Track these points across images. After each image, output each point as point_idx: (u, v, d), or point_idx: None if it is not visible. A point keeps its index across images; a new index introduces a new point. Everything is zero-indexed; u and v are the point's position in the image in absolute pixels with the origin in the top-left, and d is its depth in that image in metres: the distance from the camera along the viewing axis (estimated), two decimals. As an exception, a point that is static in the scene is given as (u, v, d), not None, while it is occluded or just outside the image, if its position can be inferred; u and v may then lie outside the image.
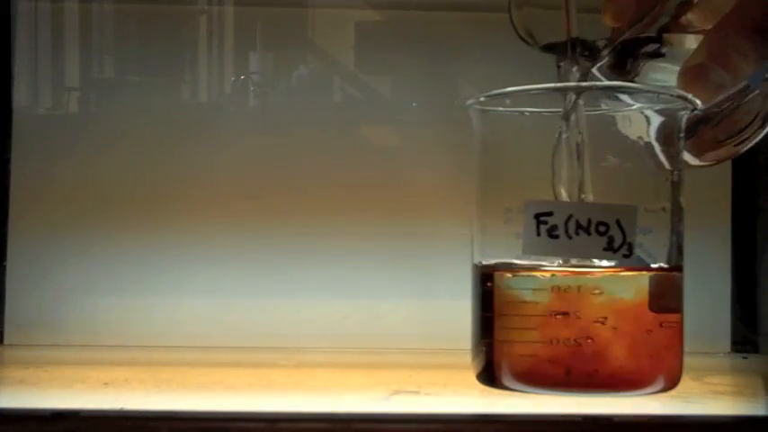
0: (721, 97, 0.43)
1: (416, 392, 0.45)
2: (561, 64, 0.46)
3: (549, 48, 0.47)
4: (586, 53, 0.46)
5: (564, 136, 0.45)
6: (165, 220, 0.62)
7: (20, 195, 0.63)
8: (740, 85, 0.44)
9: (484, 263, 0.46)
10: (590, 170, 0.45)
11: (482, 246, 0.46)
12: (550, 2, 0.48)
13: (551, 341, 0.43)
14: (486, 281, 0.45)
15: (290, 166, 0.63)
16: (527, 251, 0.43)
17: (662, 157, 0.45)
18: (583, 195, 0.44)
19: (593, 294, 0.42)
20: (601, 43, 0.46)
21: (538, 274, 0.43)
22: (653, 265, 0.44)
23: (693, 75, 0.42)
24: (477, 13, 0.63)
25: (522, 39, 0.47)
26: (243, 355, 0.59)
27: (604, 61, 0.47)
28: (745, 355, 0.62)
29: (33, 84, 0.64)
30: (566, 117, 0.45)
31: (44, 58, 0.64)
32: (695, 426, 0.40)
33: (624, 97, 0.45)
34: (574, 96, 0.44)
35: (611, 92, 0.46)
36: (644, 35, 0.47)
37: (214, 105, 0.65)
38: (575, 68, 0.46)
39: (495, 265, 0.45)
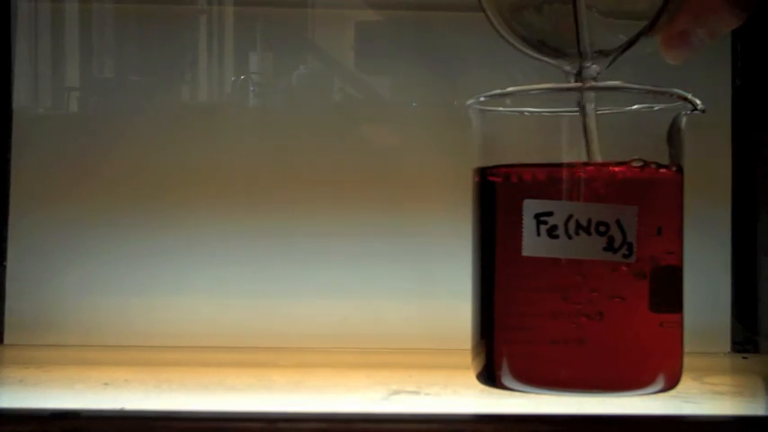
0: None
1: (416, 392, 0.45)
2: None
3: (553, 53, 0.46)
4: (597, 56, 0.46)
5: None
6: (164, 220, 0.62)
7: (20, 195, 0.63)
8: None
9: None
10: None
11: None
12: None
13: (551, 341, 0.43)
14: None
15: (289, 166, 0.63)
16: (527, 251, 0.43)
17: None
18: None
19: (594, 294, 0.42)
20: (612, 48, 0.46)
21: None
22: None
23: (678, 41, 0.45)
24: (477, 13, 0.63)
25: (518, 49, 0.47)
26: (243, 355, 0.59)
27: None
28: (745, 355, 0.62)
29: (33, 84, 0.64)
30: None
31: (44, 58, 0.64)
32: (695, 426, 0.40)
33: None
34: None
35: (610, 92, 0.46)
36: None
37: (214, 105, 0.65)
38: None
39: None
